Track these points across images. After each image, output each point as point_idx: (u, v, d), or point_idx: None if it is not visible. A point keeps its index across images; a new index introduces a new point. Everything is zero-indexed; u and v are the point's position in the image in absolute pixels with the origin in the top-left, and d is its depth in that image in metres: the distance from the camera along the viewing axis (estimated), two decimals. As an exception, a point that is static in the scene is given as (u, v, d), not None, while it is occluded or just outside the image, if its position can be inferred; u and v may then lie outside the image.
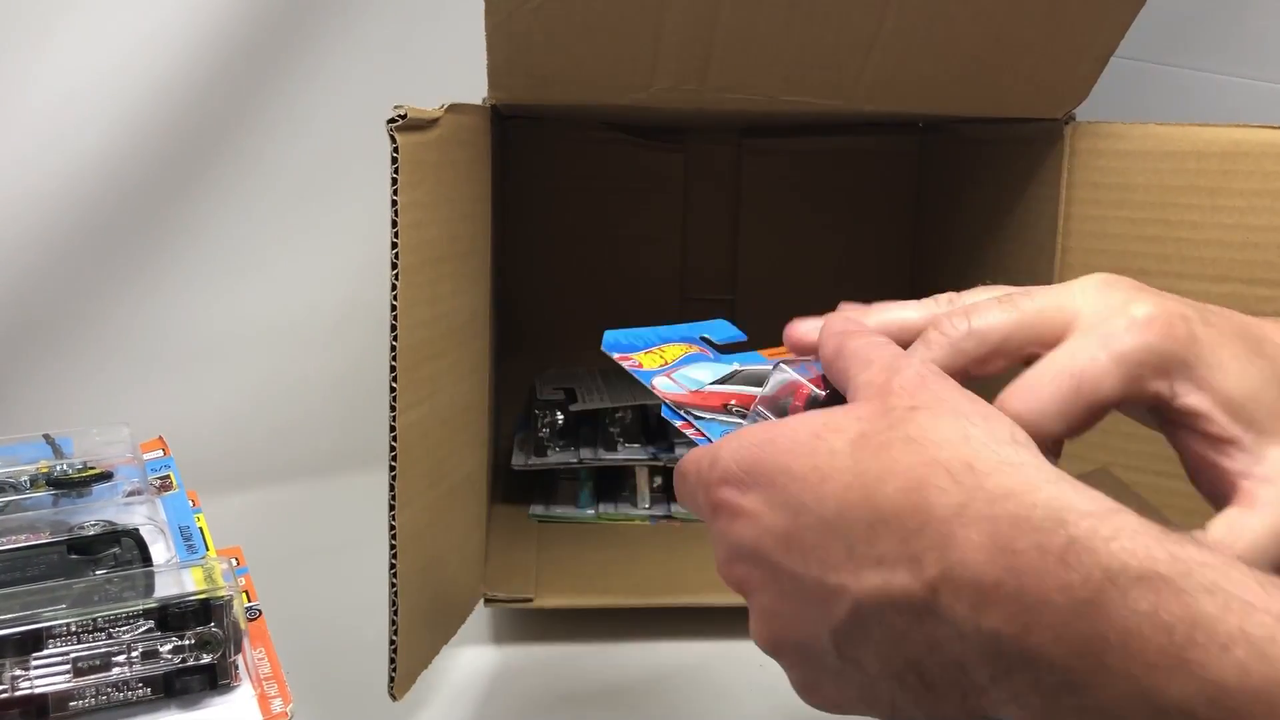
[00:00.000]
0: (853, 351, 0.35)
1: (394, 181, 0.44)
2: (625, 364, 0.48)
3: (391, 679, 0.48)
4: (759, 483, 0.33)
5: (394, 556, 0.47)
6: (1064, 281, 0.36)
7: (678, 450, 0.73)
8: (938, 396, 0.31)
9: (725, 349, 0.49)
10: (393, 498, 0.46)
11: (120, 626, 0.39)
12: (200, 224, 0.78)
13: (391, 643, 0.48)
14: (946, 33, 0.53)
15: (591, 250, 0.84)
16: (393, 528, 0.47)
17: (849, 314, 0.39)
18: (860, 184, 0.85)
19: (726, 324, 0.50)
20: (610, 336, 0.49)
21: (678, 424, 0.44)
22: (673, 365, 0.48)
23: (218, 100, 0.75)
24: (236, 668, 0.41)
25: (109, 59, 0.71)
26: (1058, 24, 0.53)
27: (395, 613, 0.47)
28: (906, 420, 0.30)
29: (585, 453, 0.72)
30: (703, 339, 0.50)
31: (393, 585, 0.47)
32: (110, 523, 0.47)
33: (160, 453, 0.57)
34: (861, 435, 0.31)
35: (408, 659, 0.49)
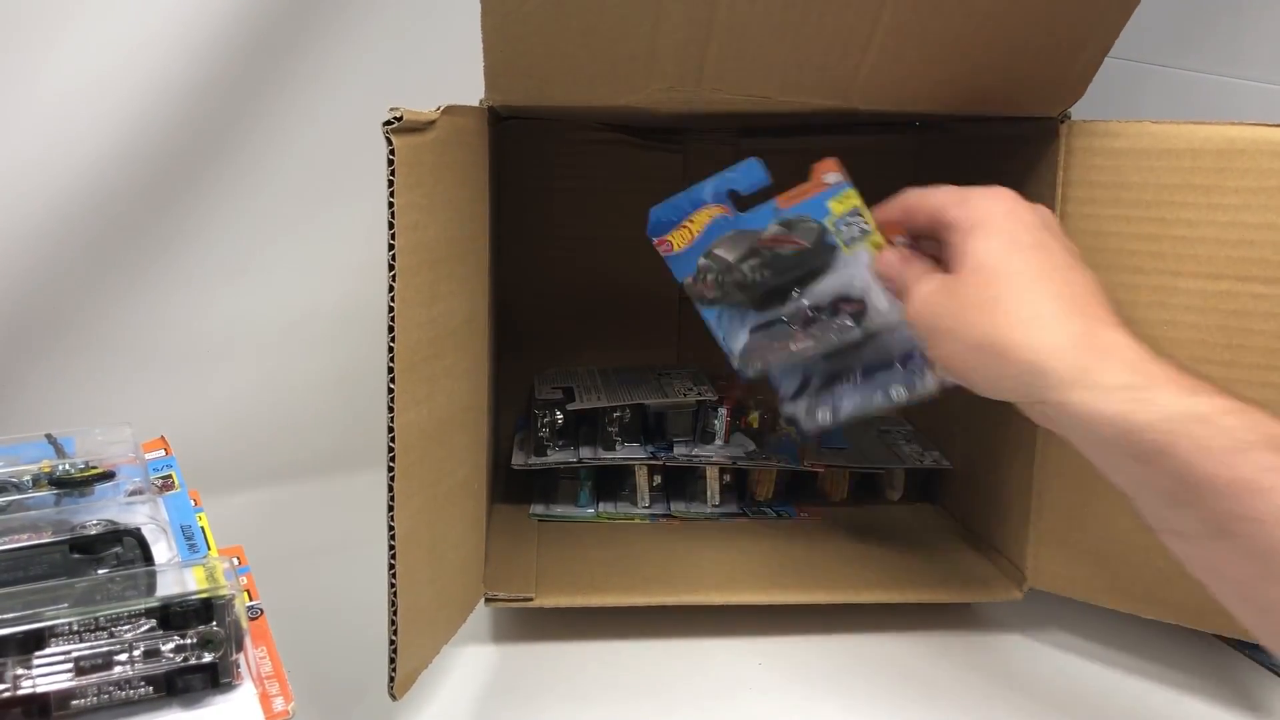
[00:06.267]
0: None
1: (390, 183, 0.44)
2: (661, 250, 0.55)
3: (391, 679, 0.49)
4: None
5: (393, 556, 0.47)
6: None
7: (676, 449, 0.73)
8: None
9: (749, 200, 0.55)
10: (391, 498, 0.47)
11: (122, 625, 0.39)
12: (201, 225, 0.78)
13: (391, 642, 0.48)
14: (942, 32, 0.53)
15: (590, 250, 0.84)
16: (391, 528, 0.47)
17: None
18: (858, 182, 0.85)
19: (756, 166, 0.55)
20: (653, 216, 0.55)
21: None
22: (699, 239, 0.54)
23: (217, 101, 0.75)
24: (238, 666, 0.41)
25: (109, 60, 0.71)
26: (1053, 22, 0.54)
27: (394, 613, 0.48)
28: None
29: (585, 452, 0.73)
30: (730, 194, 0.55)
31: (392, 585, 0.47)
32: (112, 522, 0.48)
33: (162, 452, 0.58)
34: None
35: (408, 658, 0.49)
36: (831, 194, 0.54)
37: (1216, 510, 0.38)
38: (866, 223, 0.53)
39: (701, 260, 0.55)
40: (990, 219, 0.47)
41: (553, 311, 0.84)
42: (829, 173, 0.54)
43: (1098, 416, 0.42)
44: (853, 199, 0.54)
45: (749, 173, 0.55)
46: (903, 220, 0.53)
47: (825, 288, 0.54)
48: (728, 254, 0.55)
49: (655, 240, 0.55)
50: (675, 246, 0.54)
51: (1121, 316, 0.45)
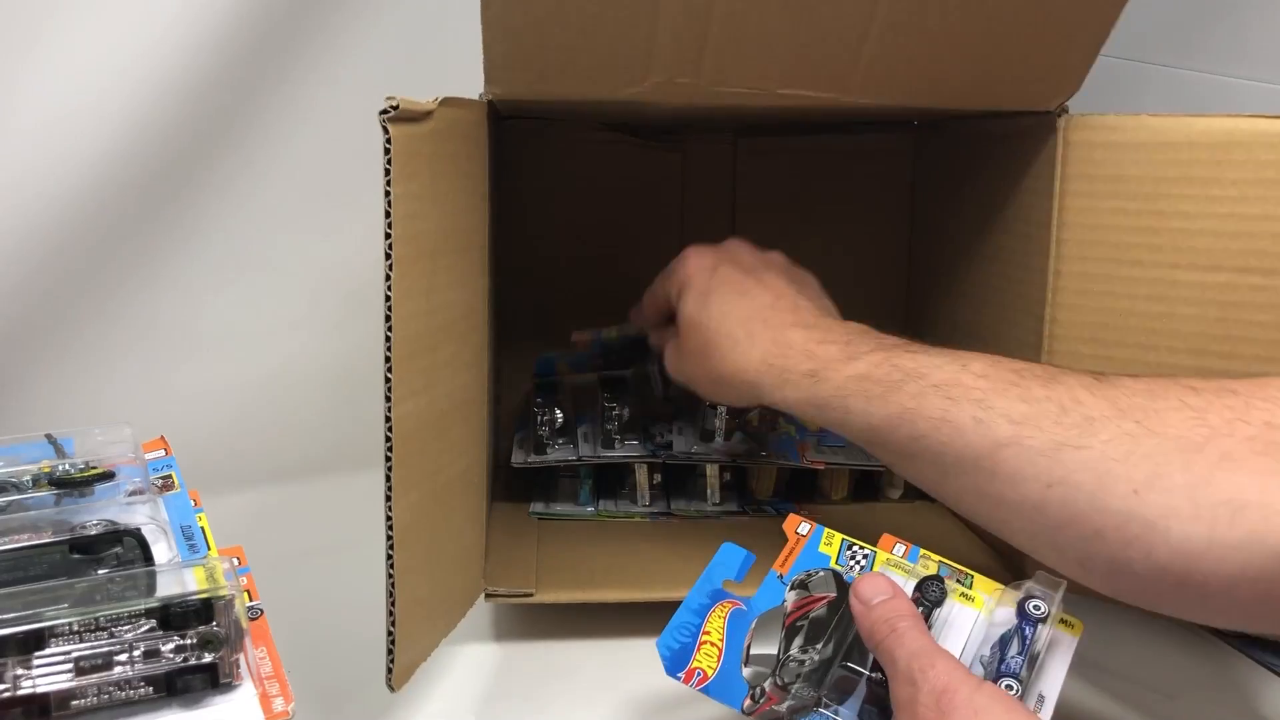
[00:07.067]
0: (889, 649, 0.42)
1: (387, 172, 0.44)
2: (695, 684, 0.47)
3: (390, 669, 0.49)
4: None
5: (390, 548, 0.47)
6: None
7: (676, 447, 0.73)
8: None
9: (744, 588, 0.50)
10: (389, 489, 0.47)
11: (122, 626, 0.39)
12: (200, 223, 0.78)
13: (389, 634, 0.48)
14: (938, 23, 0.53)
15: (590, 250, 0.84)
16: (389, 519, 0.47)
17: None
18: (856, 182, 0.85)
19: (732, 548, 0.51)
20: (662, 649, 0.48)
21: None
22: (729, 648, 0.48)
23: (216, 98, 0.75)
24: (238, 667, 0.41)
25: (109, 57, 0.71)
26: (1046, 13, 0.54)
27: (393, 604, 0.47)
28: None
29: (584, 450, 0.73)
30: (725, 586, 0.50)
31: (390, 577, 0.47)
32: (112, 522, 0.48)
33: (162, 452, 0.57)
34: None
35: (406, 650, 0.49)
36: (815, 541, 0.50)
37: (896, 441, 0.47)
38: (864, 548, 0.50)
39: (747, 672, 0.47)
40: (686, 279, 0.58)
41: (553, 311, 0.84)
42: (799, 525, 0.50)
43: (800, 404, 0.51)
44: (836, 536, 0.50)
45: (730, 557, 0.50)
46: (658, 314, 0.64)
47: None
48: (769, 649, 0.47)
49: (681, 676, 0.47)
50: (709, 670, 0.46)
51: (822, 308, 0.56)
